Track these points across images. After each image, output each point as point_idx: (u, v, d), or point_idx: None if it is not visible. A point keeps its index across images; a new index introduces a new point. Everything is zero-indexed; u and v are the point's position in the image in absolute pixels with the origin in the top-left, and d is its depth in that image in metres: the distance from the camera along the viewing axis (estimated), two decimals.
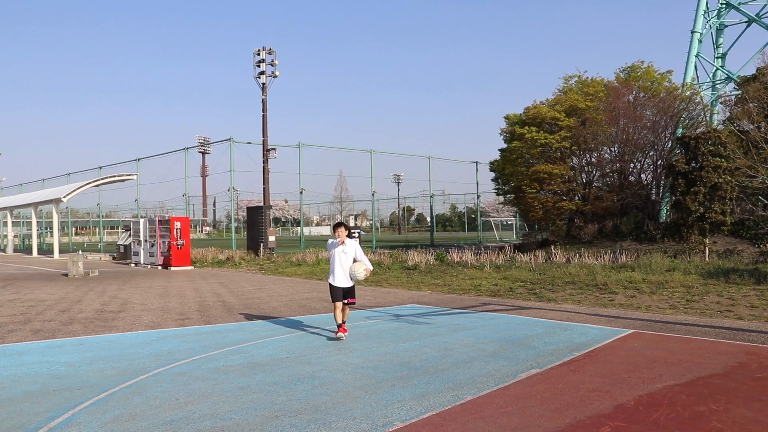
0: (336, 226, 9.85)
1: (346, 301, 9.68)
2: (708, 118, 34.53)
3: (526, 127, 33.87)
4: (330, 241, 9.94)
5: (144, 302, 14.88)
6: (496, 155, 39.90)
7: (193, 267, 28.11)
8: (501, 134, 38.80)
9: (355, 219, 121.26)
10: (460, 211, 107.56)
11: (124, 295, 16.37)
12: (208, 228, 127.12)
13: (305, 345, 9.16)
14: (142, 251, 30.28)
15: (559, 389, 6.40)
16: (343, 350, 8.70)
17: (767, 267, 17.21)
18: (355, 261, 9.76)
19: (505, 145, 38.23)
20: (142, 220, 30.86)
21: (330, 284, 9.78)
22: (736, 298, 12.93)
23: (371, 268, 9.95)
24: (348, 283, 9.69)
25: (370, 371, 7.37)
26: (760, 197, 27.21)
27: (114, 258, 36.29)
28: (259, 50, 35.64)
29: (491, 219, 76.18)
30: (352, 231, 39.34)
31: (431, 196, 53.15)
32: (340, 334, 9.60)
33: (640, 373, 6.99)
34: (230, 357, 8.31)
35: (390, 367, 7.56)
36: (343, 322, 9.73)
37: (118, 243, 36.58)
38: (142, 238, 30.16)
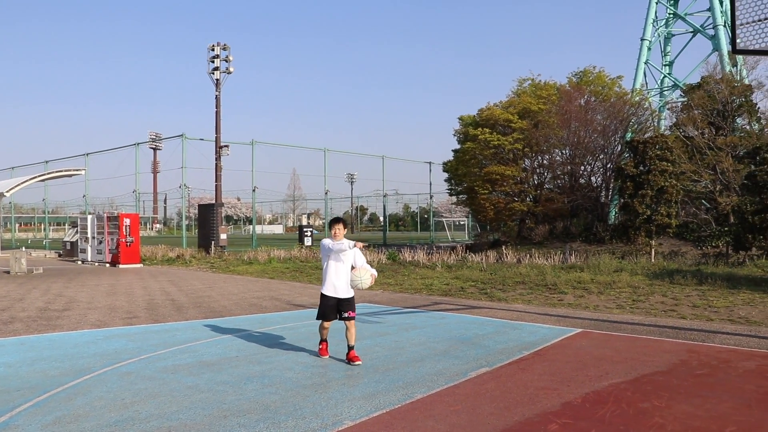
0: (333, 223, 7.97)
1: (347, 315, 7.81)
2: (655, 124, 35.39)
3: (480, 129, 34.20)
4: (324, 241, 7.99)
5: (90, 300, 14.57)
6: (450, 156, 40.22)
7: (142, 265, 27.63)
8: (455, 135, 39.13)
9: (308, 218, 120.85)
10: (413, 211, 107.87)
11: (70, 293, 16.01)
12: (158, 225, 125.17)
13: (255, 344, 9.07)
14: (89, 248, 29.64)
15: (508, 387, 6.46)
16: (293, 349, 8.64)
17: (709, 268, 17.67)
18: (353, 268, 8.03)
19: (458, 146, 38.55)
20: (89, 217, 30.20)
21: (322, 295, 7.92)
22: (680, 298, 13.23)
23: (376, 274, 8.20)
24: (346, 293, 7.86)
25: (320, 370, 7.34)
26: (703, 201, 27.96)
27: (60, 255, 35.46)
28: (213, 45, 35.21)
29: (444, 219, 76.54)
30: (305, 230, 39.29)
31: (384, 196, 53.23)
32: (325, 355, 8.09)
33: (587, 372, 7.10)
34: (179, 356, 8.18)
35: (340, 366, 7.54)
36: (351, 348, 7.85)
37: (65, 240, 35.77)
38: (89, 235, 29.52)
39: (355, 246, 7.79)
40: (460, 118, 39.07)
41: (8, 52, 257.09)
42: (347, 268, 7.94)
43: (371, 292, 16.00)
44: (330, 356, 8.11)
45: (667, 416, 5.43)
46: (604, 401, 5.92)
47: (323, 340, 8.17)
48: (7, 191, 37.59)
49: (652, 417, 5.42)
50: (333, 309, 7.83)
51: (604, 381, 6.67)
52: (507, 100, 36.82)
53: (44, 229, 61.12)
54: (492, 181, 33.29)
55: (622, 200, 25.68)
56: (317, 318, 7.96)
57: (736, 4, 8.08)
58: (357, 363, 7.62)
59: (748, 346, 8.50)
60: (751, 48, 7.83)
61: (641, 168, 23.23)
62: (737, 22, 7.77)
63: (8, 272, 22.95)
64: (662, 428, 5.13)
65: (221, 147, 34.87)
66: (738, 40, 7.79)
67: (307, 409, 5.76)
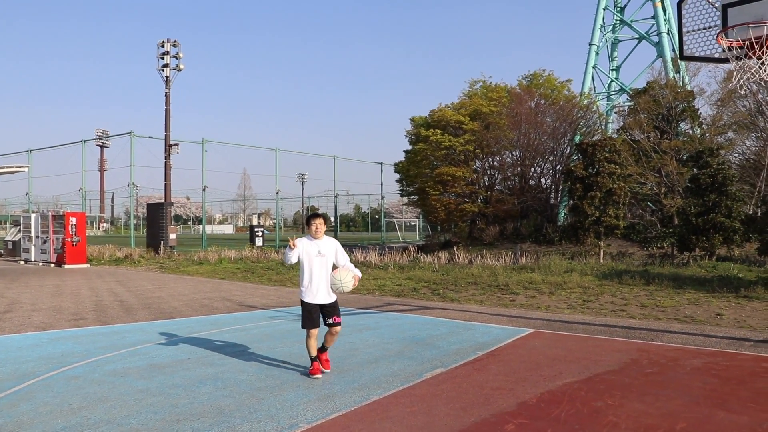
0: (311, 219, 7.19)
1: (331, 321, 7.09)
2: (603, 127, 36.09)
3: (431, 130, 34.33)
4: (299, 239, 7.17)
5: (34, 302, 14.18)
6: (402, 157, 40.26)
7: (89, 265, 27.03)
8: (406, 136, 39.18)
9: (259, 218, 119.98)
10: (364, 212, 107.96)
11: (12, 294, 15.56)
12: (105, 224, 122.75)
13: (207, 346, 8.93)
14: (33, 248, 28.88)
15: (463, 388, 6.48)
16: (246, 351, 8.53)
17: (655, 269, 18.06)
18: (335, 267, 7.21)
19: (410, 147, 38.61)
20: (33, 215, 29.44)
21: (302, 301, 7.12)
22: (628, 298, 13.48)
23: (360, 275, 7.28)
24: (328, 298, 7.10)
25: (275, 372, 7.26)
26: (648, 203, 28.61)
27: (1, 255, 34.47)
28: (163, 42, 34.68)
29: (395, 220, 76.75)
30: (256, 230, 38.90)
31: (336, 196, 53.11)
32: (316, 374, 7.00)
33: (541, 371, 7.17)
34: (128, 359, 8.00)
35: (295, 368, 7.46)
36: (324, 350, 7.27)
37: (6, 239, 34.75)
38: (33, 234, 28.76)
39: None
40: (412, 119, 39.18)
41: None
42: (328, 269, 7.11)
43: None
44: (285, 361, 8.01)
45: (621, 415, 5.52)
46: (559, 401, 5.98)
47: (313, 359, 7.09)
48: None
49: (606, 416, 5.50)
50: (316, 314, 7.06)
51: (558, 381, 6.75)
52: (458, 101, 37.05)
53: None
54: (443, 182, 33.45)
55: (571, 202, 26.08)
56: (302, 327, 7.08)
57: (683, 12, 8.30)
58: (325, 370, 7.15)
59: (695, 345, 8.70)
60: (697, 55, 8.05)
61: (590, 170, 23.63)
62: (684, 30, 7.98)
63: None
64: (616, 427, 5.20)
65: (171, 145, 34.38)
66: (685, 47, 8.00)
67: (262, 412, 5.69)
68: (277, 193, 43.86)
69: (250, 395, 6.25)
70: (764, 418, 5.44)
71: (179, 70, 34.80)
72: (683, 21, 8.00)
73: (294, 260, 7.10)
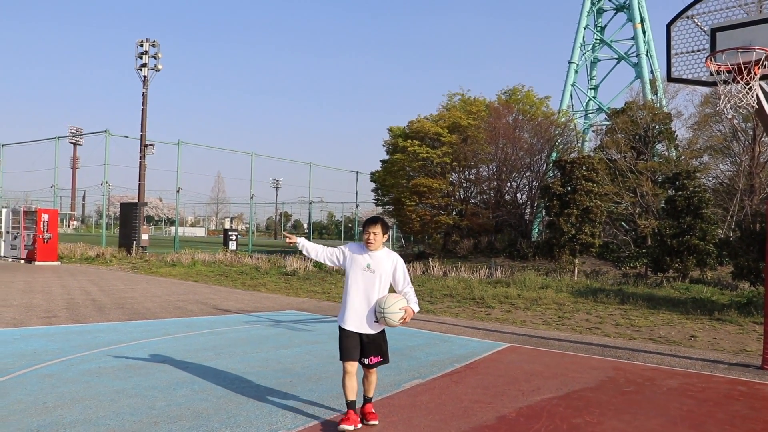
0: (366, 224, 5.66)
1: (366, 361, 5.58)
2: (580, 145, 36.39)
3: (409, 141, 34.39)
4: (350, 245, 5.76)
5: (5, 298, 13.93)
6: (378, 166, 40.26)
7: (60, 263, 26.64)
8: (384, 146, 39.19)
9: (231, 222, 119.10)
10: (338, 220, 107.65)
11: None
12: (75, 222, 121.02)
13: (182, 348, 8.82)
14: (2, 243, 28.40)
15: (442, 400, 6.47)
16: (222, 355, 8.44)
17: (630, 288, 18.23)
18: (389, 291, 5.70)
19: (387, 157, 38.63)
20: (4, 210, 28.98)
21: (340, 327, 5.65)
22: (603, 317, 13.58)
23: (417, 309, 5.69)
24: (368, 327, 5.55)
25: (252, 377, 7.19)
26: (622, 223, 28.89)
27: None
28: (142, 41, 34.45)
29: None
30: (229, 234, 38.58)
31: (310, 203, 53.05)
32: (346, 426, 5.36)
33: (519, 386, 7.18)
34: (103, 359, 7.88)
35: (272, 374, 7.40)
36: (367, 400, 5.72)
37: None
38: (3, 230, 28.31)
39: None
40: (390, 129, 39.21)
41: None
42: (379, 290, 5.59)
43: (298, 299, 15.83)
44: (262, 366, 7.94)
45: None
46: (538, 416, 5.99)
47: (349, 404, 5.52)
48: None
49: None
50: (355, 344, 5.55)
51: (536, 396, 6.76)
52: (437, 113, 37.17)
53: None
54: (419, 193, 33.49)
55: (547, 218, 26.26)
56: (340, 359, 5.59)
57: (672, 34, 8.41)
58: (372, 422, 5.56)
59: (670, 365, 8.78)
60: (685, 77, 8.15)
61: (568, 187, 23.82)
62: (672, 51, 8.08)
63: None
64: None
65: (146, 145, 34.09)
66: (673, 69, 8.09)
67: (241, 417, 5.63)
68: (251, 197, 43.66)
69: (228, 399, 6.18)
70: None
71: (157, 70, 34.60)
72: (672, 43, 8.11)
73: (316, 255, 5.87)
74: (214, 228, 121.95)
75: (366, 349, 5.54)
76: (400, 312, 5.41)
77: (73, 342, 9.00)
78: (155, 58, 34.58)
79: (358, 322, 5.52)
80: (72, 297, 14.54)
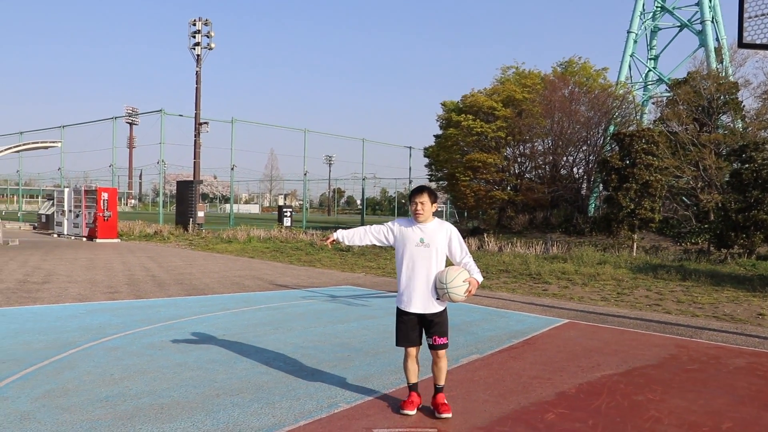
0: (413, 194, 5.18)
1: (431, 341, 5.13)
2: (639, 118, 35.47)
3: (463, 115, 34.12)
4: (398, 220, 5.38)
5: (70, 274, 14.32)
6: (431, 141, 40.06)
7: (119, 240, 27.30)
8: (437, 120, 38.99)
9: (285, 199, 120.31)
10: (391, 196, 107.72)
11: (48, 266, 15.74)
12: (133, 201, 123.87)
13: (241, 323, 8.94)
14: (65, 221, 29.24)
15: (501, 375, 6.41)
16: (280, 330, 8.52)
17: (691, 264, 17.78)
18: (447, 265, 5.26)
19: (440, 132, 38.41)
20: (66, 190, 29.80)
21: (398, 309, 5.26)
22: (664, 293, 13.28)
23: (480, 279, 5.22)
24: (430, 306, 5.10)
25: (311, 351, 7.24)
26: (683, 197, 28.14)
27: (35, 228, 34.95)
28: (195, 20, 34.71)
29: None
30: (284, 210, 38.95)
31: (363, 179, 53.10)
32: (407, 409, 5.15)
33: (578, 362, 7.07)
34: (165, 333, 8.04)
35: (330, 348, 7.44)
36: (438, 389, 5.23)
37: (40, 212, 35.26)
38: (66, 208, 29.11)
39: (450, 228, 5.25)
40: (443, 104, 38.94)
41: None
42: (435, 265, 5.14)
43: (354, 275, 15.89)
44: (320, 341, 7.98)
45: (663, 410, 5.40)
46: (598, 392, 5.89)
47: (411, 387, 5.27)
48: None
49: (648, 410, 5.39)
50: (415, 328, 5.16)
51: (596, 372, 6.65)
52: (491, 87, 36.76)
53: (18, 201, 60.18)
54: (473, 168, 33.26)
55: (605, 193, 25.75)
56: (396, 343, 5.28)
57: None
58: (445, 415, 5.05)
59: (736, 344, 8.51)
60: (759, 42, 7.75)
61: (626, 161, 23.28)
62: (745, 15, 7.68)
63: None
64: (659, 422, 5.10)
65: (201, 124, 34.46)
66: (745, 33, 7.70)
67: (301, 390, 5.67)
68: (305, 174, 43.91)
69: (287, 373, 6.23)
70: None
71: (210, 48, 34.79)
72: (745, 5, 7.69)
73: (361, 240, 5.46)
74: (268, 205, 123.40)
75: (430, 329, 5.12)
76: (464, 284, 4.98)
77: (136, 316, 9.21)
78: (208, 37, 34.80)
79: (419, 302, 5.08)
80: (132, 273, 14.87)
